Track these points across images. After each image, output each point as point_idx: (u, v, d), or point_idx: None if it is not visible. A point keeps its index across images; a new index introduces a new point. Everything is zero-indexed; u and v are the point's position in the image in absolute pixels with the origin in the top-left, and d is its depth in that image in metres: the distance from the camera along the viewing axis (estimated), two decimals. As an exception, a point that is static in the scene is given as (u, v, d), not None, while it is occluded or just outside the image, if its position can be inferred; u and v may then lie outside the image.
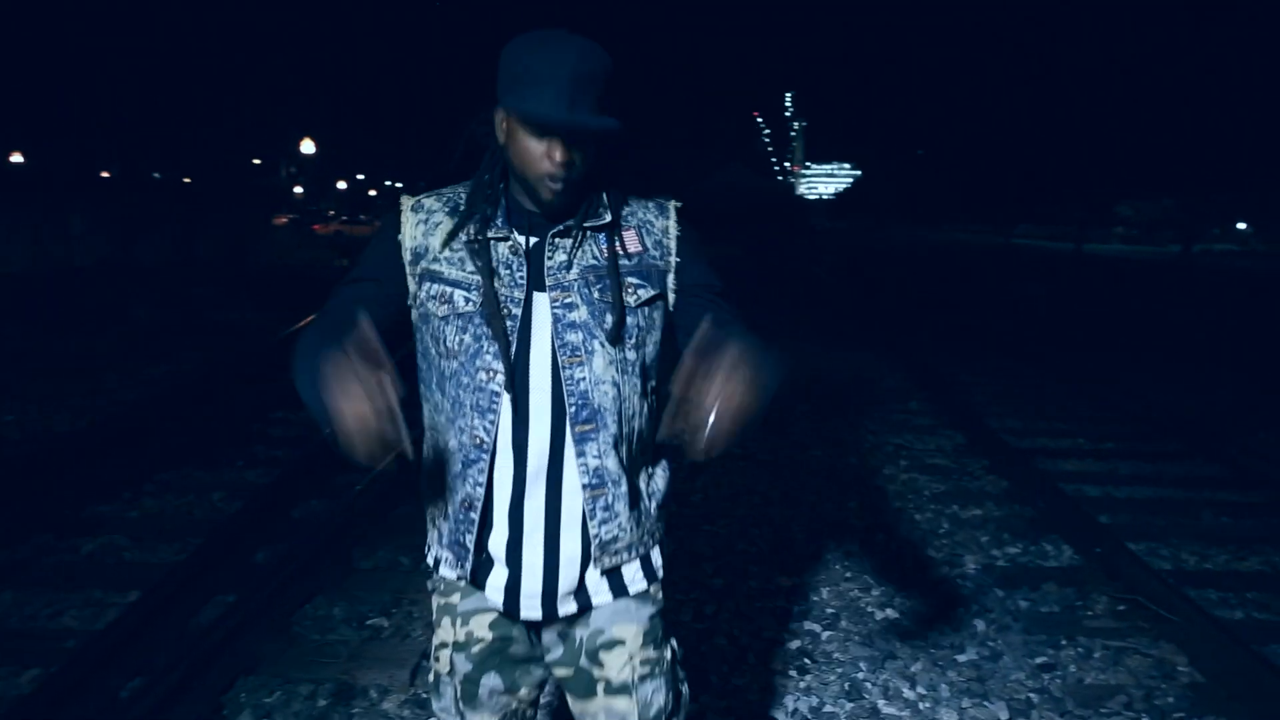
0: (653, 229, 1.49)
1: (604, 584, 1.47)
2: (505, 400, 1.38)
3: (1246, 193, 34.23)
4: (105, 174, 28.65)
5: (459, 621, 1.49)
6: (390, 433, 1.11)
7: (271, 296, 14.15)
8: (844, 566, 3.86)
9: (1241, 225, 48.05)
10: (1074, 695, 2.85)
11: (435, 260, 1.41)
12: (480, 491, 1.40)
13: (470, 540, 1.42)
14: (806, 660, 3.03)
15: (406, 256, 1.43)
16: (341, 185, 67.06)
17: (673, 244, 1.48)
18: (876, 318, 12.40)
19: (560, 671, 1.51)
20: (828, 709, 2.75)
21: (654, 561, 1.53)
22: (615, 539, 1.44)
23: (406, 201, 1.48)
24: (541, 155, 1.32)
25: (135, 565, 3.74)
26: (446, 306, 1.40)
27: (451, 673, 1.50)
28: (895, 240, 42.40)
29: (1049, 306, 13.89)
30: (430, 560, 1.52)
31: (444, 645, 1.51)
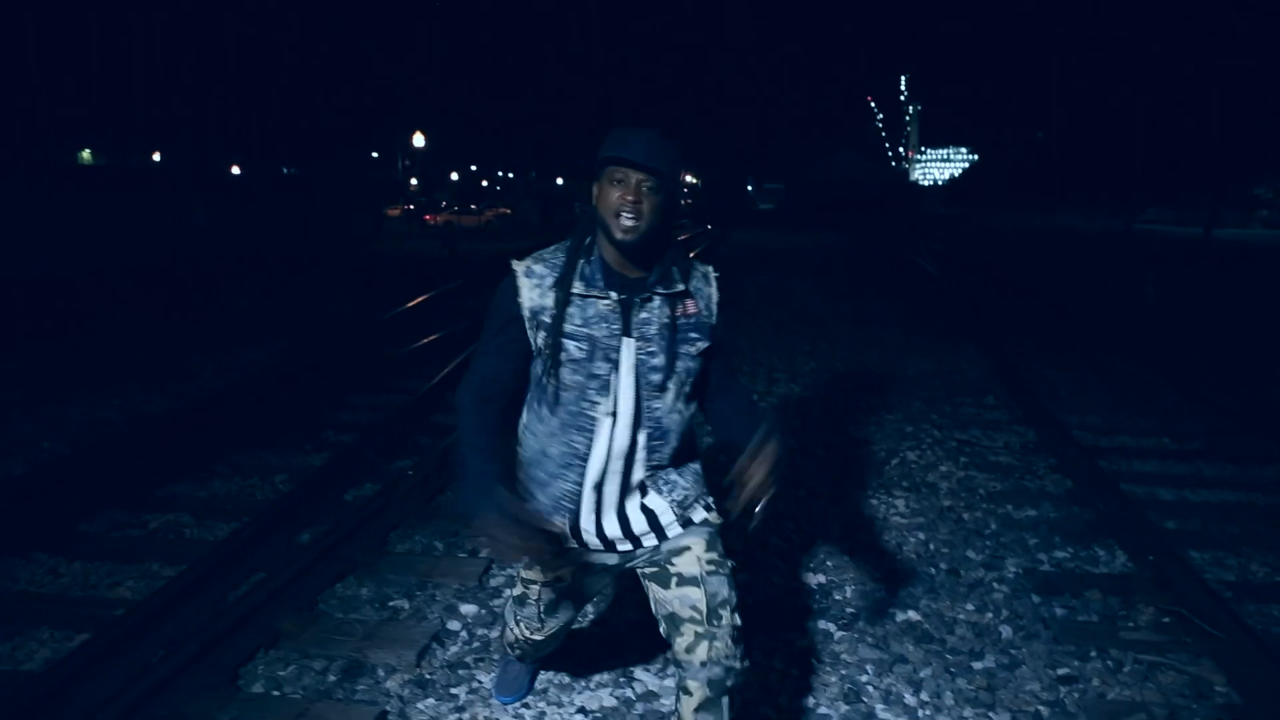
0: (704, 294, 1.98)
1: (674, 521, 2.01)
2: (603, 424, 1.89)
3: None
4: (236, 169, 30.35)
5: (548, 569, 2.08)
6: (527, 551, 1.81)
7: (373, 287, 14.72)
8: (875, 566, 3.78)
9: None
10: (1089, 710, 2.72)
11: (548, 315, 1.86)
12: (575, 489, 1.95)
13: (562, 521, 1.98)
14: (812, 660, 2.99)
15: (525, 314, 1.88)
16: (454, 176, 68.99)
17: (715, 307, 1.99)
18: (971, 308, 11.95)
19: (645, 569, 2.06)
20: (822, 710, 2.71)
21: (709, 501, 2.08)
22: (686, 496, 2.02)
23: (519, 268, 1.91)
24: (618, 196, 1.78)
25: (193, 542, 3.99)
26: (563, 353, 1.86)
27: (538, 600, 2.16)
28: (1008, 227, 40.69)
29: (1161, 296, 13.08)
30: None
31: (533, 583, 2.15)
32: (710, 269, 2.02)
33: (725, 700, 1.99)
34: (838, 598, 3.48)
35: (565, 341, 1.85)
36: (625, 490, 1.96)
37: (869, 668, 2.95)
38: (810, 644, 3.09)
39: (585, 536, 2.00)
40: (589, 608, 3.25)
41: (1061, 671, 2.95)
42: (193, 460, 4.99)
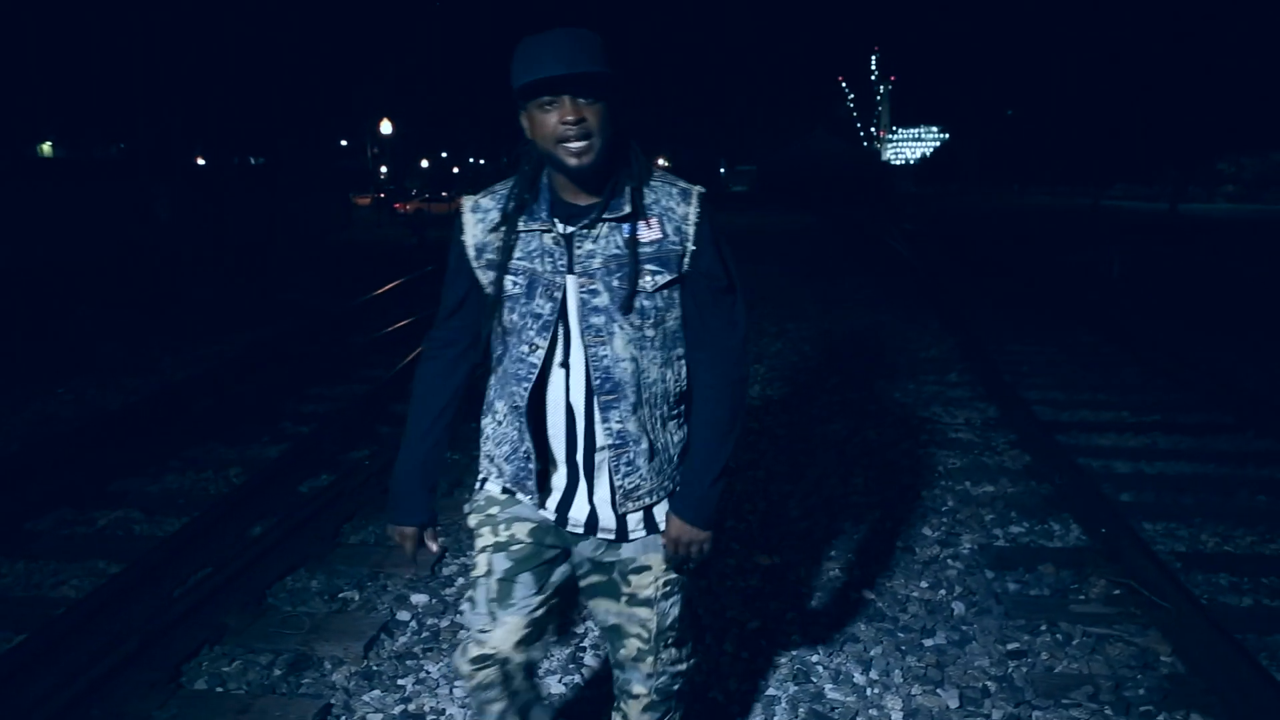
0: (674, 215, 1.64)
1: (640, 520, 1.72)
2: (538, 370, 1.64)
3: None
4: (201, 160, 29.85)
5: (501, 526, 1.75)
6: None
7: (340, 276, 14.56)
8: (830, 545, 3.78)
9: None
10: (1036, 685, 2.73)
11: (492, 251, 1.66)
12: (532, 446, 1.67)
13: (531, 485, 1.70)
14: (763, 641, 2.98)
15: (471, 254, 1.69)
16: (425, 164, 68.26)
17: (691, 230, 1.64)
18: (937, 285, 12.01)
19: (592, 579, 1.79)
20: (770, 691, 2.70)
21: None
22: (637, 487, 1.69)
23: (466, 203, 1.73)
24: (555, 122, 1.51)
25: (142, 538, 3.92)
26: (503, 291, 1.65)
27: (489, 573, 1.74)
28: (979, 206, 40.94)
29: (1126, 271, 13.20)
30: (481, 484, 1.80)
31: (484, 549, 1.76)
32: (693, 187, 1.68)
33: (674, 701, 1.90)
34: (791, 579, 3.48)
35: (504, 278, 1.65)
36: (589, 465, 1.68)
37: (819, 648, 2.95)
38: (761, 626, 3.09)
39: (546, 502, 1.73)
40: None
41: (1011, 646, 2.96)
42: (146, 455, 4.91)
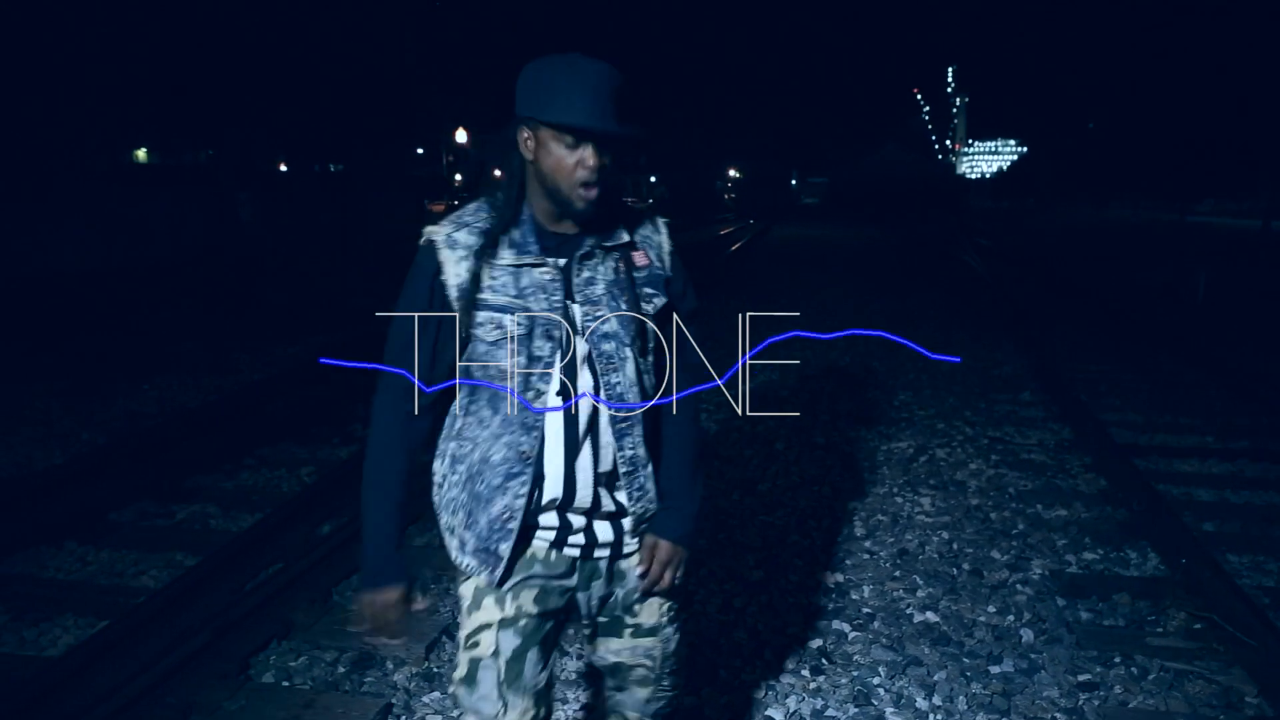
0: (653, 242, 1.66)
1: (635, 540, 1.66)
2: (554, 414, 1.54)
3: None
4: (284, 167, 30.86)
5: (508, 598, 1.59)
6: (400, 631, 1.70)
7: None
8: (895, 565, 3.71)
9: None
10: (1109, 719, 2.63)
11: (480, 290, 1.53)
12: (521, 503, 1.53)
13: (505, 549, 1.55)
14: (823, 660, 2.94)
15: (453, 294, 1.53)
16: (498, 173, 69.37)
17: (667, 258, 1.67)
18: (1011, 303, 11.71)
19: (598, 619, 1.70)
20: (830, 713, 2.66)
21: None
22: (647, 510, 1.64)
23: (439, 238, 1.56)
24: (575, 164, 1.46)
25: (218, 532, 4.05)
26: (497, 331, 1.52)
27: (496, 654, 1.58)
28: (1058, 220, 39.83)
29: (1212, 292, 12.68)
30: (459, 563, 1.64)
31: (486, 626, 1.59)
32: (659, 217, 1.71)
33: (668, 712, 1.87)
34: (854, 597, 3.42)
35: (500, 317, 1.52)
36: (596, 494, 1.59)
37: (881, 669, 2.89)
38: (823, 644, 3.04)
39: (536, 540, 1.60)
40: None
41: (1083, 678, 2.86)
42: (223, 453, 5.07)
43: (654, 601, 1.71)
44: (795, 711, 2.65)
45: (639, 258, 1.62)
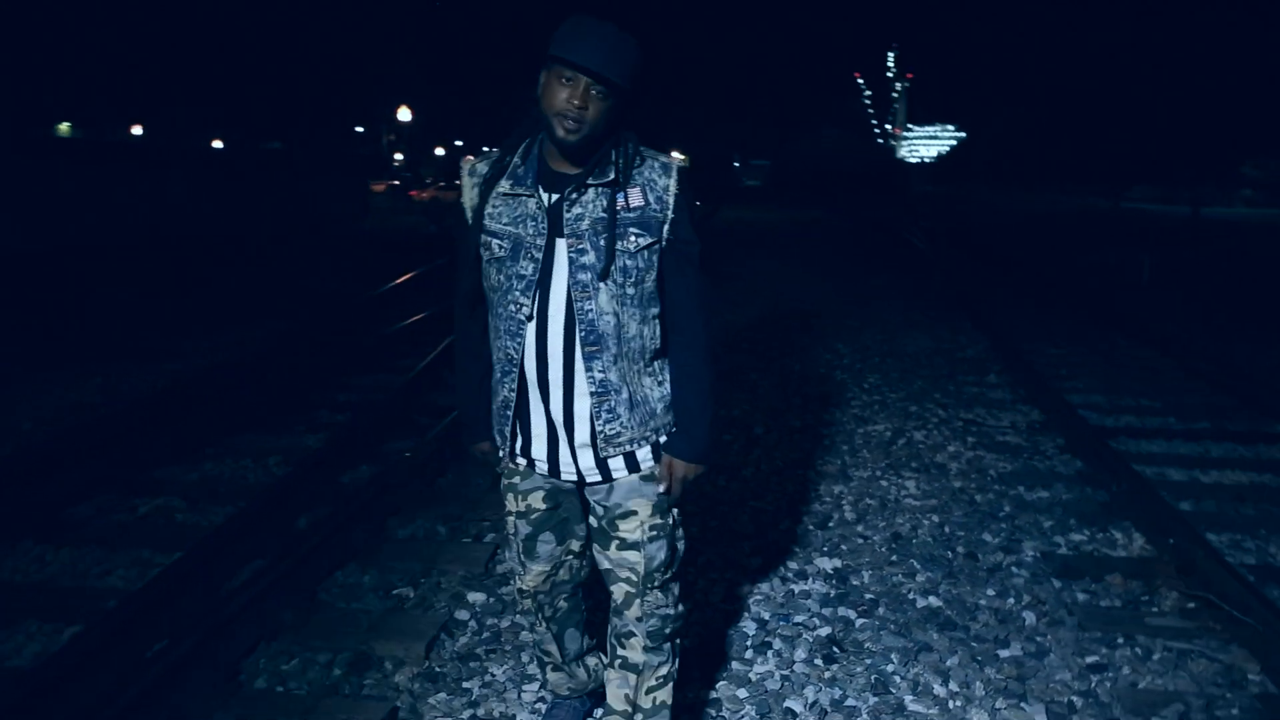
0: (655, 186, 1.81)
1: (621, 463, 1.90)
2: (530, 327, 1.80)
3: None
4: (218, 143, 29.83)
5: (520, 497, 2.01)
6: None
7: (361, 263, 14.49)
8: (891, 549, 3.69)
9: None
10: (1123, 700, 2.64)
11: (482, 215, 1.81)
12: (513, 396, 1.86)
13: (507, 430, 1.93)
14: (835, 649, 2.89)
15: (469, 215, 1.84)
16: (440, 151, 68.15)
17: (671, 200, 1.81)
18: (964, 286, 11.88)
19: (592, 525, 2.01)
20: (850, 703, 2.61)
21: (658, 440, 1.93)
22: (618, 434, 1.86)
23: (465, 166, 1.87)
24: (565, 97, 1.67)
25: (186, 527, 3.85)
26: (488, 252, 1.82)
27: (515, 533, 2.05)
28: (996, 205, 40.66)
29: (1154, 274, 13.04)
30: (494, 435, 2.01)
31: (509, 514, 2.05)
32: (673, 160, 1.84)
33: (668, 644, 2.05)
34: (855, 583, 3.39)
35: (490, 240, 1.81)
36: (569, 413, 1.85)
37: (894, 656, 2.86)
38: (832, 632, 3.00)
39: (536, 464, 1.94)
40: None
41: (1090, 659, 2.87)
42: (182, 442, 4.83)
43: (634, 519, 1.93)
44: (815, 702, 2.60)
45: (634, 197, 1.79)
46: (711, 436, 1.94)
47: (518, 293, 1.79)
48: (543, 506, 2.00)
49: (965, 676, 2.75)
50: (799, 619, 3.08)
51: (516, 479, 2.00)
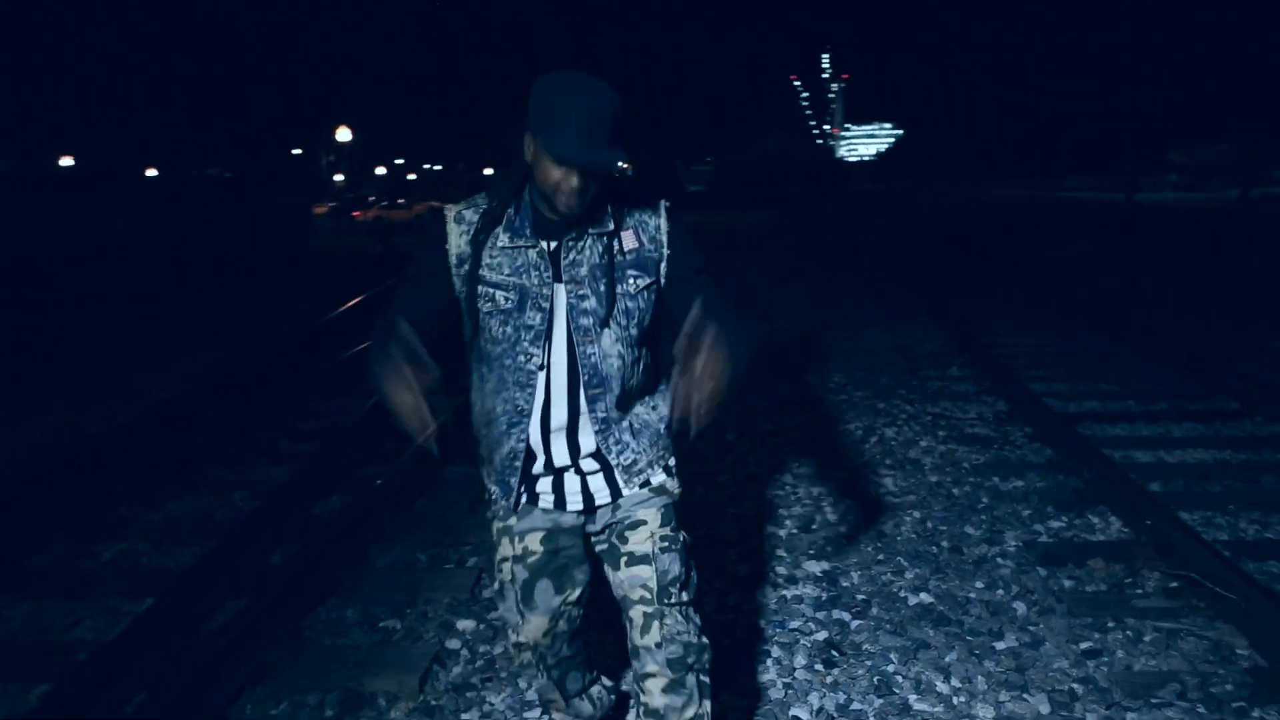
0: (648, 227, 1.82)
1: (630, 479, 1.87)
2: (540, 377, 1.77)
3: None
4: (153, 171, 29.13)
5: (516, 539, 1.91)
6: (425, 411, 1.59)
7: (310, 287, 14.23)
8: (876, 548, 3.69)
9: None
10: (1122, 684, 2.66)
11: (478, 265, 1.76)
12: (522, 446, 1.82)
13: (515, 481, 1.86)
14: (834, 653, 2.88)
15: (452, 261, 1.78)
16: (380, 170, 67.51)
17: (664, 238, 1.83)
18: (916, 281, 12.05)
19: (598, 547, 1.95)
20: (855, 706, 2.60)
21: (670, 464, 1.92)
22: (635, 462, 1.86)
23: (449, 213, 1.81)
24: (560, 180, 1.64)
25: (154, 571, 3.71)
26: (490, 304, 1.76)
27: (512, 580, 1.94)
28: (937, 200, 41.40)
29: (1098, 260, 13.37)
30: (487, 490, 1.95)
31: (505, 559, 1.94)
32: (661, 200, 1.85)
33: (692, 679, 1.86)
34: (845, 584, 3.38)
35: (494, 292, 1.76)
36: (574, 449, 1.83)
37: (893, 656, 2.85)
38: (829, 636, 2.98)
39: (541, 498, 1.88)
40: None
41: (1084, 646, 2.89)
42: (143, 482, 4.67)
43: (643, 529, 1.88)
44: (820, 709, 2.58)
45: (628, 240, 1.79)
46: (749, 355, 1.69)
47: (527, 344, 1.76)
48: (540, 549, 1.91)
49: (966, 671, 2.76)
50: (794, 624, 3.07)
51: (512, 520, 1.92)
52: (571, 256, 1.76)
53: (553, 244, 1.76)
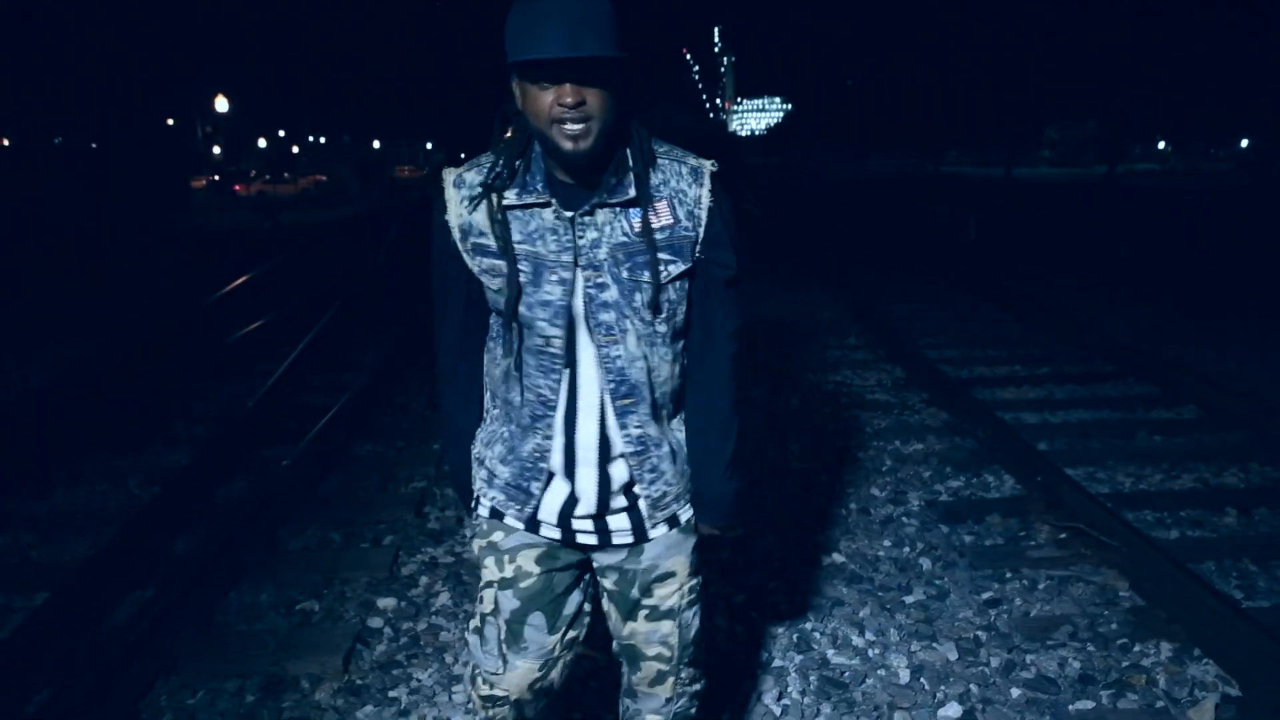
0: (685, 198, 1.48)
1: (658, 519, 1.59)
2: (563, 363, 1.47)
3: (1164, 111, 34.92)
4: (4, 141, 27.09)
5: (505, 559, 1.59)
6: None
7: (190, 265, 13.58)
8: (788, 512, 3.81)
9: (1161, 144, 49.11)
10: (1021, 629, 2.84)
11: (482, 234, 1.46)
12: (549, 443, 1.51)
13: (537, 488, 1.54)
14: (753, 614, 2.97)
15: (456, 235, 1.48)
16: (262, 143, 64.52)
17: (704, 214, 1.48)
18: (810, 253, 12.37)
19: (612, 598, 1.66)
20: (777, 663, 2.70)
21: (690, 491, 1.64)
22: (664, 494, 1.57)
23: (449, 178, 1.51)
24: (552, 101, 1.33)
25: (44, 565, 3.51)
26: (500, 279, 1.46)
27: (496, 612, 1.61)
28: (826, 174, 42.45)
29: (980, 232, 14.01)
30: (477, 502, 1.63)
31: (490, 584, 1.61)
32: (704, 164, 1.50)
33: None
34: (760, 549, 3.48)
35: (501, 263, 1.46)
36: (605, 479, 1.54)
37: (810, 615, 2.96)
38: (748, 599, 3.08)
39: (543, 522, 1.57)
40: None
41: (986, 596, 3.07)
42: (23, 472, 4.40)
43: (672, 582, 1.63)
44: (744, 666, 2.67)
45: (662, 214, 1.46)
46: (740, 494, 1.65)
47: (544, 322, 1.46)
48: (536, 570, 1.59)
49: (879, 625, 2.89)
50: (713, 587, 3.15)
51: (499, 535, 1.59)
52: (588, 235, 1.44)
53: (569, 213, 1.44)
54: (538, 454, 1.53)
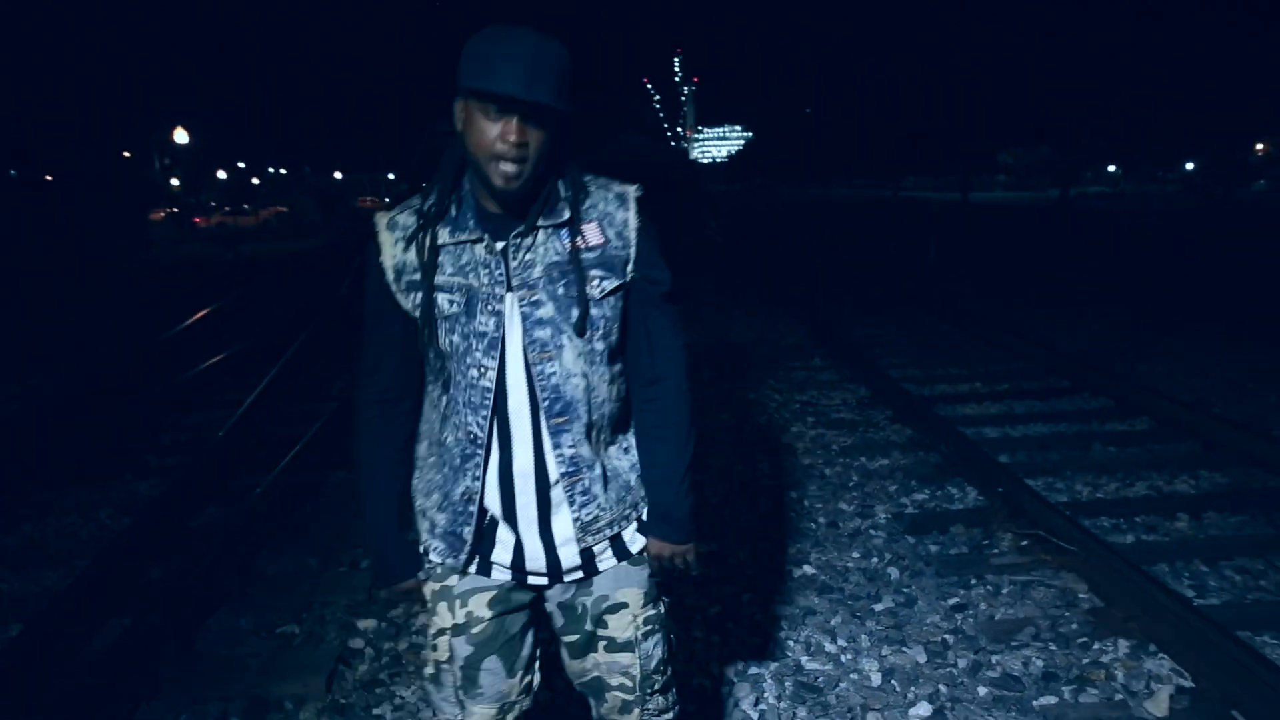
0: (614, 220, 1.52)
1: (606, 548, 1.57)
2: (498, 401, 1.47)
3: (1114, 136, 35.99)
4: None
5: (457, 604, 1.57)
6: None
7: (152, 298, 13.45)
8: (759, 528, 3.90)
9: (1111, 168, 50.53)
10: (986, 632, 2.95)
11: (415, 271, 1.48)
12: (478, 485, 1.50)
13: (469, 533, 1.52)
14: (729, 624, 3.05)
15: (389, 276, 1.50)
16: (222, 175, 64.03)
17: (632, 235, 1.53)
18: (773, 278, 12.57)
19: (565, 637, 1.64)
20: (753, 670, 2.77)
21: (642, 513, 1.62)
22: (596, 519, 1.54)
23: (381, 221, 1.53)
24: (496, 136, 1.37)
25: (17, 596, 3.50)
26: (436, 311, 1.47)
27: (451, 659, 1.58)
28: (787, 200, 43.06)
29: (940, 255, 14.33)
30: (423, 550, 1.59)
31: (442, 631, 1.58)
32: (628, 189, 1.55)
33: None
34: (733, 563, 3.57)
35: (437, 296, 1.47)
36: (544, 502, 1.52)
37: (783, 624, 3.05)
38: (723, 610, 3.15)
39: (493, 564, 1.56)
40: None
41: (952, 602, 3.18)
42: (-10, 505, 4.37)
43: (625, 612, 1.61)
44: (721, 675, 2.74)
45: (591, 234, 1.50)
46: (696, 507, 1.65)
47: (479, 354, 1.46)
48: (488, 615, 1.57)
49: (850, 632, 2.98)
50: (689, 600, 3.22)
51: (452, 580, 1.57)
52: (521, 256, 1.47)
53: (499, 243, 1.47)
54: (466, 497, 1.52)
